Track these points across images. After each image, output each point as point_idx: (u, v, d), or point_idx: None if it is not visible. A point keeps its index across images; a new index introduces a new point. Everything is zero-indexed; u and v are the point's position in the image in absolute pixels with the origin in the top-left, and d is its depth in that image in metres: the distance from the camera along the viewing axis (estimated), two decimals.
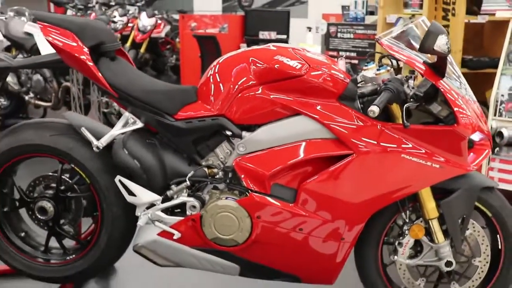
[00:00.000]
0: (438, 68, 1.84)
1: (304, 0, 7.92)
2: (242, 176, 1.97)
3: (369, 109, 1.73)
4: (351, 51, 5.05)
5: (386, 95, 1.78)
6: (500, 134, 3.65)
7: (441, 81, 1.86)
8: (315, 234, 1.98)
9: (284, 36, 6.35)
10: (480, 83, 4.01)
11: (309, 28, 5.63)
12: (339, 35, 5.12)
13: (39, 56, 2.28)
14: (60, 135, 2.16)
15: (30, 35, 5.23)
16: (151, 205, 2.07)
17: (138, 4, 8.40)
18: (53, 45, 2.04)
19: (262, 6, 8.49)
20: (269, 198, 1.96)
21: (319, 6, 7.36)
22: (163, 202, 2.07)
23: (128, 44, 8.12)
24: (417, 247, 2.08)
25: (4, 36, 5.23)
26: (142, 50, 8.14)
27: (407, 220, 2.04)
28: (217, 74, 2.04)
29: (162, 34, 8.30)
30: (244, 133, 1.98)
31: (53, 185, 2.24)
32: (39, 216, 2.23)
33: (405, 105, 1.83)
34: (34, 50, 4.81)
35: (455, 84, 1.96)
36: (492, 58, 3.87)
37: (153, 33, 8.10)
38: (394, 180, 1.91)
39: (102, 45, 2.09)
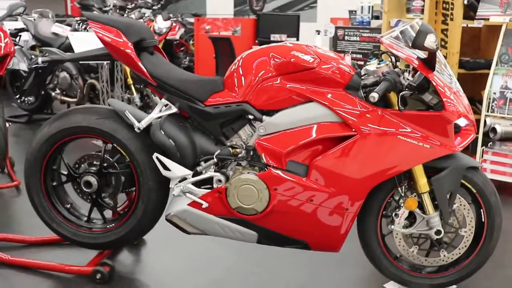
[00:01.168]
0: (429, 62, 2.17)
1: (314, 5, 8.27)
2: (262, 154, 2.31)
3: (370, 95, 2.07)
4: (357, 53, 5.39)
5: (385, 84, 2.12)
6: (493, 130, 3.98)
7: (432, 74, 2.20)
8: (323, 205, 2.30)
9: (294, 39, 6.69)
10: (477, 83, 4.35)
11: (318, 32, 5.97)
12: (346, 38, 5.46)
13: (88, 51, 2.62)
14: (105, 119, 2.50)
15: (56, 35, 5.64)
16: (183, 179, 2.41)
17: (154, 7, 8.76)
18: (102, 40, 2.39)
19: (272, 11, 8.85)
20: (284, 173, 2.29)
21: (327, 11, 7.70)
22: (193, 176, 2.40)
23: None
24: (411, 219, 2.40)
25: (33, 36, 5.61)
26: None
27: (403, 195, 2.37)
28: (240, 68, 2.38)
29: (177, 36, 8.66)
30: (264, 117, 2.32)
31: (97, 162, 2.58)
32: (84, 189, 2.58)
33: (401, 93, 2.17)
34: (61, 48, 5.18)
35: (445, 77, 2.29)
36: (488, 59, 4.20)
37: (168, 35, 8.46)
38: (391, 158, 2.24)
39: (144, 41, 2.43)
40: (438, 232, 2.36)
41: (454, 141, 2.28)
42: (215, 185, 2.38)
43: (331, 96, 2.26)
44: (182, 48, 8.96)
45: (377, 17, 5.41)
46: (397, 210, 2.38)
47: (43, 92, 5.23)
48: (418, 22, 2.32)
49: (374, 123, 2.23)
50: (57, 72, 5.47)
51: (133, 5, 8.96)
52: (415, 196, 2.36)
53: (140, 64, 2.37)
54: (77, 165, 2.62)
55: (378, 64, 2.27)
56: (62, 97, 5.57)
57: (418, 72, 2.23)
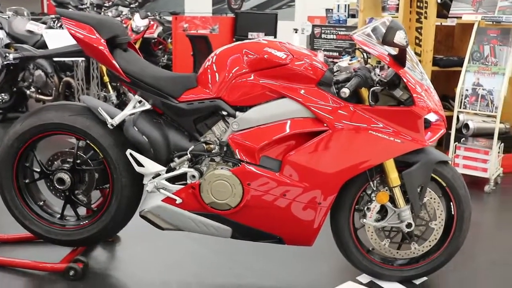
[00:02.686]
0: (400, 59, 2.21)
1: (291, 3, 8.31)
2: (235, 149, 2.32)
3: (341, 90, 2.10)
4: (334, 51, 5.43)
5: (356, 80, 2.15)
6: (466, 126, 4.05)
7: (402, 70, 2.23)
8: (297, 200, 2.33)
9: (272, 37, 6.72)
10: (450, 80, 4.42)
11: (296, 30, 6.01)
12: (323, 36, 5.50)
13: (61, 47, 2.60)
14: (78, 115, 2.49)
15: (31, 32, 5.58)
16: (157, 175, 2.41)
17: (131, 5, 8.71)
18: (74, 37, 2.38)
19: (250, 9, 8.87)
20: (258, 168, 2.31)
21: (305, 9, 7.74)
22: (167, 172, 2.41)
23: None
24: (383, 212, 2.44)
25: (7, 33, 5.55)
26: None
27: (375, 189, 2.41)
28: (214, 64, 2.39)
29: (155, 35, 8.63)
30: (237, 113, 2.34)
31: (70, 159, 2.57)
32: (57, 186, 2.57)
33: (372, 89, 2.20)
34: (35, 46, 5.14)
35: (416, 74, 2.33)
36: (461, 57, 4.27)
37: (146, 34, 8.43)
38: (363, 152, 2.28)
39: (117, 37, 2.43)
40: (409, 225, 2.41)
41: (425, 136, 2.32)
42: (189, 181, 2.39)
43: (303, 92, 2.28)
44: (160, 47, 8.93)
45: (353, 16, 5.47)
46: (369, 204, 2.42)
47: (15, 89, 5.19)
48: (388, 19, 2.36)
49: (345, 118, 2.26)
50: (32, 70, 5.42)
51: (110, 3, 8.91)
52: (386, 190, 2.40)
53: (113, 60, 2.37)
54: (50, 162, 2.61)
55: (350, 60, 2.30)
56: (38, 95, 5.51)
57: (390, 68, 2.26)
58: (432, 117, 2.38)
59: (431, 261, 2.52)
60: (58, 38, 4.57)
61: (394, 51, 2.24)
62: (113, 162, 2.49)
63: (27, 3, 10.07)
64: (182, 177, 2.41)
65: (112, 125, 2.42)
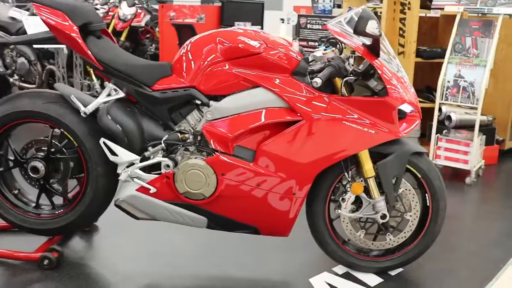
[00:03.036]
0: (373, 49, 2.20)
1: None
2: (209, 139, 2.31)
3: (313, 80, 2.08)
4: (315, 41, 5.40)
5: (329, 70, 2.14)
6: (449, 118, 4.06)
7: (376, 60, 2.22)
8: (271, 190, 2.31)
9: (259, 27, 6.68)
10: (434, 71, 4.42)
11: (282, 20, 5.97)
12: (308, 26, 5.47)
13: (34, 34, 2.57)
14: (52, 103, 2.46)
15: (14, 19, 5.51)
16: (131, 164, 2.40)
17: None
18: (46, 23, 2.35)
19: None
20: (231, 158, 2.30)
21: None
22: (141, 161, 2.39)
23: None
24: (358, 203, 2.44)
25: None
26: (123, 38, 8.38)
27: (350, 179, 2.40)
28: (189, 52, 2.37)
29: (142, 23, 8.54)
30: (211, 102, 2.32)
31: (44, 148, 2.55)
32: (31, 175, 2.54)
33: (345, 79, 2.19)
34: (19, 33, 5.08)
35: (392, 65, 2.32)
36: (444, 49, 4.27)
37: (133, 22, 8.35)
38: (336, 143, 2.27)
39: (90, 24, 2.40)
40: (383, 216, 2.41)
41: (399, 127, 2.31)
42: (163, 170, 2.37)
43: (277, 82, 2.26)
44: (147, 35, 8.85)
45: (339, 6, 5.45)
46: (344, 194, 2.41)
47: None
48: (363, 8, 2.35)
49: (319, 108, 2.25)
50: (15, 57, 5.36)
51: None
52: (361, 181, 2.40)
53: (85, 47, 2.34)
54: (24, 151, 2.58)
55: (324, 50, 2.29)
56: (21, 83, 5.45)
57: (363, 58, 2.25)
58: (407, 108, 2.37)
59: (407, 252, 2.53)
60: (39, 25, 4.50)
61: (368, 41, 2.23)
62: (88, 151, 2.46)
63: None
64: (157, 166, 2.40)
65: (85, 113, 2.40)
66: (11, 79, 5.45)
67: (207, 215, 2.42)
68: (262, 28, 6.72)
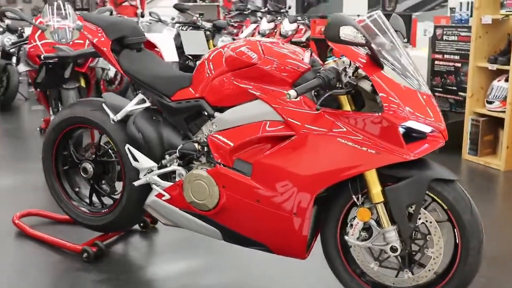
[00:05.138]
0: (373, 58, 1.96)
1: (444, 3, 7.66)
2: (212, 150, 2.30)
3: (287, 92, 1.92)
4: (455, 54, 4.91)
5: (312, 82, 1.96)
6: None
7: (379, 72, 1.98)
8: (270, 207, 2.20)
9: (405, 40, 6.29)
10: None
11: (425, 32, 5.56)
12: (444, 37, 5.00)
13: (87, 49, 2.86)
14: (97, 110, 2.70)
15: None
16: (150, 170, 2.51)
17: (282, 11, 8.94)
18: (88, 39, 2.60)
19: (404, 11, 8.40)
20: (230, 171, 2.25)
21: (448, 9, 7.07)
22: (159, 169, 2.48)
23: None
24: (370, 232, 2.18)
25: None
26: None
27: (358, 204, 2.16)
28: (204, 63, 2.39)
29: (303, 39, 8.70)
30: (216, 114, 2.31)
31: (95, 150, 2.81)
32: (82, 175, 2.82)
33: (330, 92, 1.98)
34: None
35: (406, 78, 2.04)
36: None
37: (294, 38, 8.58)
38: (332, 161, 2.06)
39: (125, 38, 2.58)
40: (393, 249, 2.11)
41: (413, 148, 2.01)
42: (177, 179, 2.43)
43: (274, 94, 2.16)
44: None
45: None
46: (353, 220, 2.18)
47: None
48: (379, 15, 2.12)
49: (312, 123, 2.08)
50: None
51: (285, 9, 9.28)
52: (370, 207, 2.14)
53: (113, 60, 2.53)
54: (82, 152, 2.87)
55: (327, 60, 2.11)
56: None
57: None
58: (425, 128, 2.05)
59: None
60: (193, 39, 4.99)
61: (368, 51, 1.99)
62: (123, 156, 2.64)
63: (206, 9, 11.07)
64: (175, 174, 2.46)
65: (113, 120, 2.58)
66: None
67: (217, 227, 2.40)
68: (408, 41, 6.31)
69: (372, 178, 2.09)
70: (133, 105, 2.58)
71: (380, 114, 1.97)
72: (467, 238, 2.07)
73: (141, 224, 3.09)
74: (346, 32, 1.83)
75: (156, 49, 2.89)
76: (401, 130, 2.03)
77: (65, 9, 4.32)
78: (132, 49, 2.61)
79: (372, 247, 2.17)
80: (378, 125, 1.99)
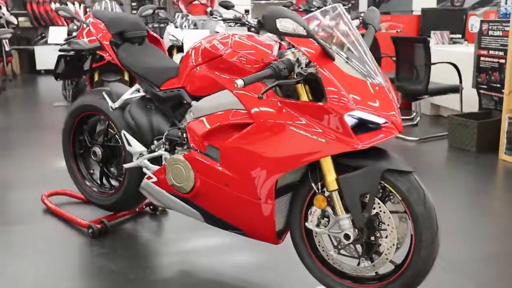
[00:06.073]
0: (324, 50, 2.02)
1: None
2: (189, 136, 2.46)
3: (235, 81, 2.03)
4: (499, 50, 4.71)
5: (262, 72, 2.04)
6: None
7: (330, 63, 2.03)
8: (237, 192, 2.32)
9: (459, 36, 6.09)
10: None
11: (472, 27, 5.38)
12: (490, 32, 4.82)
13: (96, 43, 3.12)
14: (104, 99, 2.95)
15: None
16: (141, 154, 2.71)
17: (344, 6, 8.87)
18: (93, 33, 2.85)
19: (472, 6, 8.07)
20: (202, 156, 2.40)
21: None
22: (149, 153, 2.68)
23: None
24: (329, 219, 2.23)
25: None
26: None
27: (318, 191, 2.22)
28: (187, 55, 2.55)
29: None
30: (193, 102, 2.47)
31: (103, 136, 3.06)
32: (93, 158, 3.08)
33: (276, 82, 2.06)
34: None
35: (353, 65, 2.08)
36: None
37: None
38: (286, 149, 2.13)
39: (125, 32, 2.80)
40: (346, 237, 2.16)
41: (354, 138, 2.04)
42: (163, 163, 2.62)
43: None
44: None
45: None
46: (312, 207, 2.25)
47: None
48: (337, 5, 2.17)
49: (268, 112, 2.17)
50: None
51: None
52: (327, 195, 2.20)
53: (111, 52, 2.76)
54: (96, 137, 3.14)
55: (286, 52, 2.19)
56: None
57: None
58: (378, 119, 2.07)
59: (385, 285, 2.19)
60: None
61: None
62: (123, 142, 2.87)
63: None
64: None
65: (111, 108, 2.81)
66: None
67: (197, 209, 2.55)
68: (463, 37, 6.10)
69: (327, 166, 2.15)
70: (129, 94, 2.80)
71: (323, 104, 2.03)
72: (420, 230, 2.07)
73: (151, 207, 3.31)
74: (284, 25, 1.90)
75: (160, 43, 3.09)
76: (353, 121, 2.07)
77: (111, 7, 4.65)
78: (133, 42, 2.83)
79: (330, 235, 2.23)
80: (326, 114, 2.05)
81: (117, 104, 2.82)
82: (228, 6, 5.66)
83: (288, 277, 2.58)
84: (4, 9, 9.45)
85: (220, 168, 2.34)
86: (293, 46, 2.19)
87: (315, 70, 2.06)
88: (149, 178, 2.67)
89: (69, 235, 3.06)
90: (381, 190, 2.15)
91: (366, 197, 2.12)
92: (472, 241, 2.98)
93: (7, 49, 9.35)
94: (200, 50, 2.43)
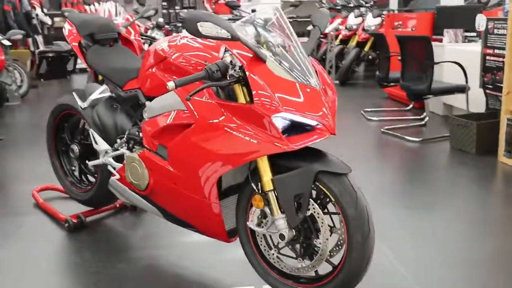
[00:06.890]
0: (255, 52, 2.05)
1: None
2: (143, 136, 2.53)
3: (167, 83, 2.07)
4: (504, 49, 4.58)
5: (195, 75, 2.08)
6: None
7: (261, 65, 2.06)
8: (184, 190, 2.38)
9: (474, 34, 5.92)
10: None
11: (478, 25, 5.23)
12: (495, 31, 4.68)
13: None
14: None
15: None
16: (106, 152, 2.81)
17: (367, 4, 8.78)
18: (65, 36, 2.97)
19: (497, 3, 7.80)
20: (153, 154, 2.47)
21: None
22: (113, 152, 2.78)
23: (353, 43, 8.64)
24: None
25: None
26: (366, 48, 8.55)
27: (256, 191, 2.25)
28: (144, 56, 2.62)
29: None
30: (146, 103, 2.54)
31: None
32: (71, 155, 3.21)
33: (207, 84, 2.09)
34: None
35: (285, 67, 2.09)
36: None
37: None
38: (223, 149, 2.17)
39: (95, 34, 2.91)
40: (282, 237, 2.18)
41: (284, 139, 2.05)
42: (125, 161, 2.71)
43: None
44: None
45: None
46: (252, 207, 2.28)
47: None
48: (278, 8, 2.19)
49: (207, 113, 2.21)
50: None
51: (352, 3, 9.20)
52: (264, 194, 2.22)
53: (80, 54, 2.87)
54: (77, 135, 3.26)
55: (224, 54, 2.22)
56: None
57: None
58: (308, 121, 2.08)
59: (322, 286, 2.20)
60: None
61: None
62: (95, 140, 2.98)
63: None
64: None
65: (80, 107, 2.92)
66: None
67: (156, 206, 2.63)
68: (477, 36, 5.92)
69: (264, 167, 2.17)
70: (97, 94, 2.90)
71: (250, 105, 2.06)
72: (351, 232, 2.08)
73: None
74: (205, 28, 1.94)
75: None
76: (286, 122, 2.09)
77: (116, 8, 4.79)
78: (103, 44, 2.93)
79: (269, 234, 2.25)
80: (255, 116, 2.07)
81: (86, 104, 2.93)
82: (234, 6, 5.71)
83: None
84: (38, 10, 9.80)
85: (168, 167, 2.41)
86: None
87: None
88: (114, 175, 2.77)
89: (52, 229, 3.20)
90: (316, 191, 2.16)
91: (302, 198, 2.14)
92: (472, 242, 2.97)
93: (41, 48, 9.73)
94: (153, 52, 2.50)
